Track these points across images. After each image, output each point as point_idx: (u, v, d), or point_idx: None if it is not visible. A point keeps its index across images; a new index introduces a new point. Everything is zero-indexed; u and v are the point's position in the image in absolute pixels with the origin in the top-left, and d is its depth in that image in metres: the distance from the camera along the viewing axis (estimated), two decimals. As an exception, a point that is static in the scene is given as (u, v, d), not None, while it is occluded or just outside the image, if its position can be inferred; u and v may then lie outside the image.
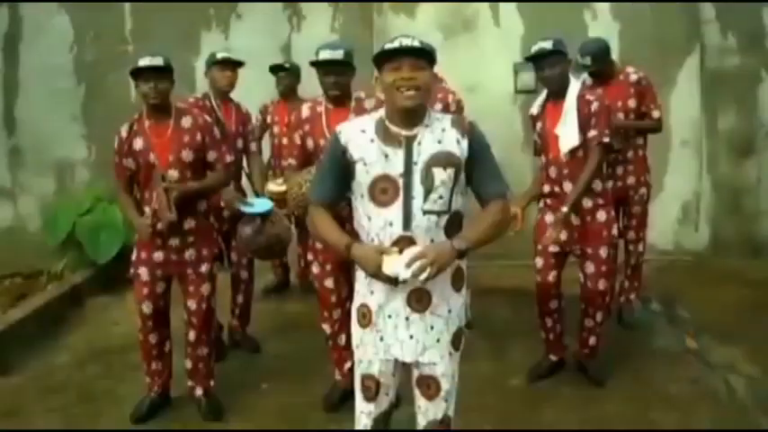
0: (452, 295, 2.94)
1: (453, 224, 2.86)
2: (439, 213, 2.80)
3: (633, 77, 5.44)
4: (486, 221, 2.89)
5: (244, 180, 5.61)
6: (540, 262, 4.69)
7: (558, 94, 4.49)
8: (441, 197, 2.79)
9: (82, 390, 4.96)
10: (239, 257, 5.45)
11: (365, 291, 2.95)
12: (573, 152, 4.44)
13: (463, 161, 2.83)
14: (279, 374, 5.04)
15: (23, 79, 7.99)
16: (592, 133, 4.41)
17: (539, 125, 4.65)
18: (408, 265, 2.64)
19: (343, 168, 2.86)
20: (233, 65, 5.32)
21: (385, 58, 2.77)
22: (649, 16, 7.26)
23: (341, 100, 4.27)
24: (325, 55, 4.20)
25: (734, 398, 4.58)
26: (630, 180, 5.53)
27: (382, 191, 2.78)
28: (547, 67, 4.43)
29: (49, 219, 7.52)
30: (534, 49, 4.45)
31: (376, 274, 2.73)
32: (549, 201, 4.67)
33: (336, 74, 4.19)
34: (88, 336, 6.00)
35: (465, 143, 2.84)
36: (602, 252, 4.55)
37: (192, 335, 4.49)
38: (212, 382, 4.61)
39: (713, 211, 7.85)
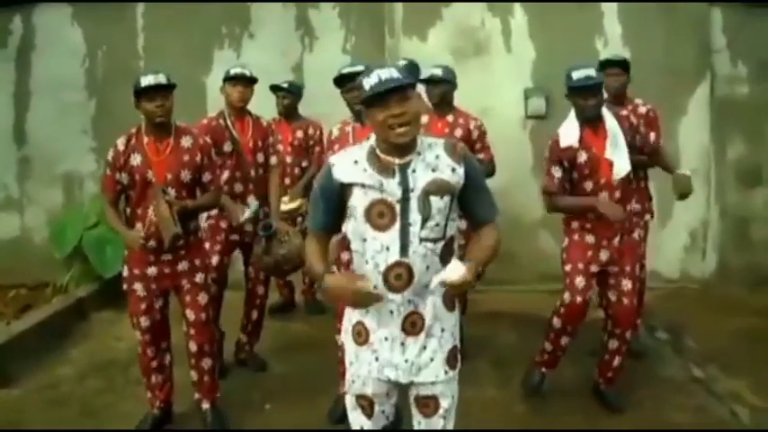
0: (445, 314, 2.93)
1: (448, 250, 2.88)
2: (435, 240, 2.80)
3: (642, 109, 5.42)
4: (489, 245, 2.94)
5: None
6: (582, 282, 4.55)
7: (594, 120, 4.47)
8: (437, 225, 2.79)
9: (84, 404, 4.96)
10: (256, 273, 5.45)
11: (361, 309, 2.93)
12: None
13: (458, 188, 2.85)
14: (283, 394, 5.02)
15: (34, 91, 8.02)
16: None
17: (582, 155, 4.49)
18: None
19: (337, 197, 2.87)
20: (245, 81, 5.32)
21: (369, 99, 2.74)
22: (660, 44, 7.27)
23: None
24: (347, 70, 4.31)
25: (738, 427, 4.57)
26: (637, 206, 5.51)
27: (379, 214, 2.78)
28: (593, 96, 4.39)
29: (56, 231, 7.53)
30: (578, 77, 4.38)
31: (354, 303, 2.84)
32: (589, 223, 4.56)
33: (358, 89, 4.20)
34: (92, 350, 6.00)
35: (461, 171, 2.85)
36: (637, 269, 4.61)
37: (193, 346, 4.48)
38: (218, 394, 4.61)
39: (720, 240, 7.84)
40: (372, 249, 2.80)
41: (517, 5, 7.50)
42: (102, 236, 7.11)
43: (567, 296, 4.63)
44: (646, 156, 4.73)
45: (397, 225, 2.76)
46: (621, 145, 4.42)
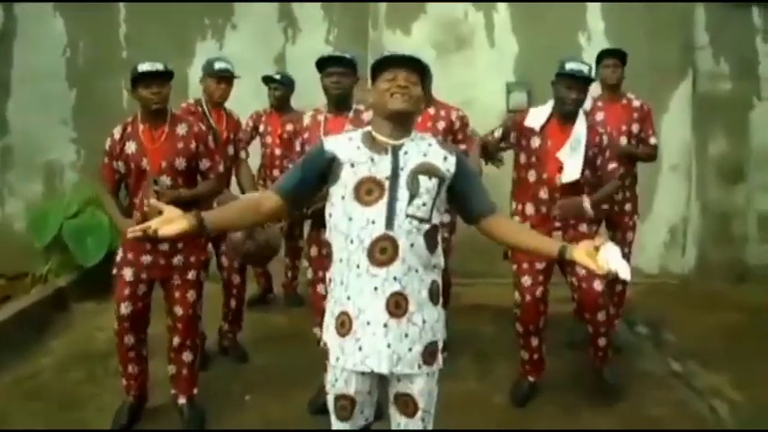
0: (427, 306, 2.90)
1: (433, 237, 2.87)
2: (421, 220, 2.80)
3: (636, 103, 5.51)
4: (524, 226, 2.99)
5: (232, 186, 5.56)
6: (528, 280, 4.60)
7: (569, 116, 4.48)
8: (424, 204, 2.80)
9: (64, 395, 4.92)
10: (230, 262, 5.43)
11: (342, 297, 2.90)
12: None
13: (448, 177, 2.88)
14: (263, 386, 5.01)
15: (15, 80, 7.98)
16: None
17: (535, 140, 4.54)
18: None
19: (319, 171, 2.89)
20: (229, 78, 5.31)
21: (381, 68, 2.83)
22: (643, 40, 7.28)
23: (341, 108, 4.36)
24: (329, 53, 4.42)
25: (718, 422, 4.59)
26: (628, 207, 5.55)
27: (368, 191, 2.79)
28: (580, 90, 4.41)
29: (36, 220, 7.44)
30: (571, 67, 4.41)
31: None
32: (531, 220, 4.59)
33: (339, 74, 4.30)
34: (72, 340, 5.96)
35: (452, 160, 2.89)
36: None
37: (176, 340, 4.45)
38: (196, 390, 4.57)
39: (700, 236, 7.88)
40: (358, 226, 2.79)
41: (500, -1, 7.53)
42: (82, 225, 7.05)
43: (517, 296, 4.68)
44: (593, 178, 4.64)
45: (385, 199, 2.77)
46: (579, 151, 4.42)
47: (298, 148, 4.42)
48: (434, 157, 2.87)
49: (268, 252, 4.73)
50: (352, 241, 2.81)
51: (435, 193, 2.83)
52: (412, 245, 2.79)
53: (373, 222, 2.76)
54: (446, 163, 2.87)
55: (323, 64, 4.35)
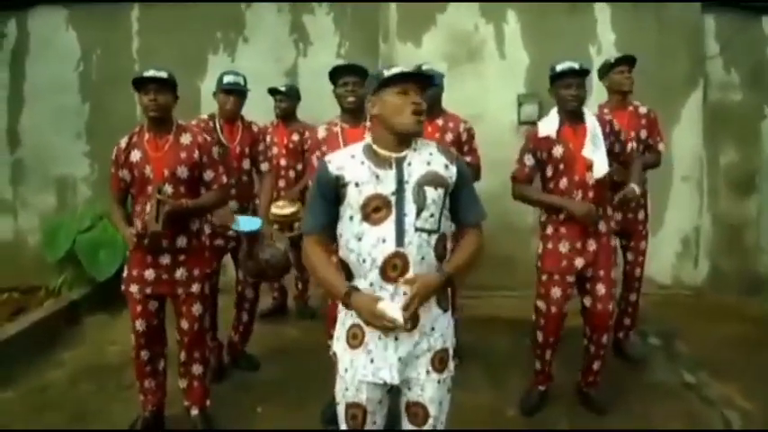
0: (438, 313, 2.94)
1: (442, 246, 2.90)
2: (430, 232, 2.83)
3: (642, 110, 5.53)
4: (469, 250, 2.99)
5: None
6: (557, 292, 4.56)
7: (576, 116, 4.48)
8: (432, 215, 2.82)
9: (75, 407, 4.93)
10: (245, 277, 5.43)
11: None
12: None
13: (451, 185, 2.90)
14: (274, 398, 5.02)
15: (29, 94, 8.03)
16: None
17: (557, 149, 4.50)
18: (405, 308, 2.73)
19: (333, 195, 2.89)
20: (239, 92, 5.34)
21: (390, 82, 2.83)
22: (653, 51, 7.26)
23: (356, 118, 4.37)
24: (341, 63, 4.46)
25: (730, 433, 4.57)
26: (641, 215, 5.55)
27: (375, 209, 2.81)
28: (577, 86, 4.44)
29: (49, 234, 7.48)
30: (562, 67, 4.47)
31: (371, 321, 2.76)
32: (563, 229, 4.56)
33: (353, 83, 4.35)
34: (84, 353, 5.98)
35: (454, 169, 2.92)
36: (612, 274, 4.56)
37: (183, 355, 4.48)
38: (208, 402, 4.59)
39: (713, 247, 7.86)
40: (369, 245, 2.81)
41: (511, 12, 7.52)
42: (95, 239, 7.09)
43: (542, 306, 4.65)
44: (621, 164, 4.73)
45: (393, 216, 2.79)
46: (600, 145, 4.42)
47: (314, 162, 4.41)
48: (437, 166, 2.89)
49: (270, 271, 4.72)
50: (364, 260, 2.83)
51: (442, 203, 2.86)
52: (422, 258, 2.81)
53: (384, 241, 2.78)
54: (448, 171, 2.90)
55: (336, 74, 4.40)
